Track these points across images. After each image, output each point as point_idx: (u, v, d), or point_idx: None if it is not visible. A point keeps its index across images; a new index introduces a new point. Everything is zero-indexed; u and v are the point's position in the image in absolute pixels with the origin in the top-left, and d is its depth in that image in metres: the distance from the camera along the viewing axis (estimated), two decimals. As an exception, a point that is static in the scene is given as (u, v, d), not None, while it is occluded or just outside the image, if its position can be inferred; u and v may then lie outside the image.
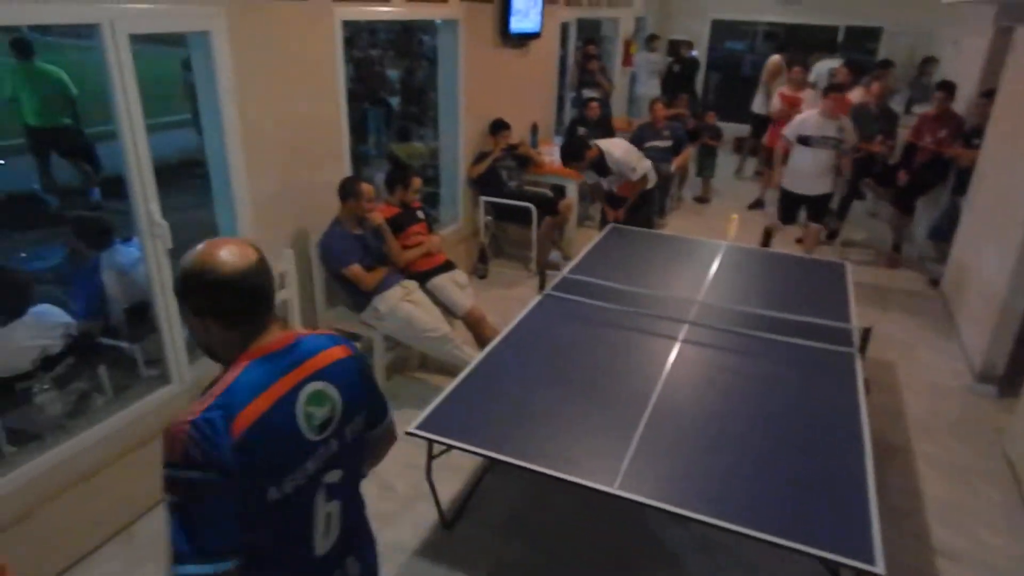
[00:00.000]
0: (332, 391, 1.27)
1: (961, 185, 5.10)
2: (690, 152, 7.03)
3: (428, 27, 6.41)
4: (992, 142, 4.63)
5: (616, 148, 4.57)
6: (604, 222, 4.80)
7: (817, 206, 5.12)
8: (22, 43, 5.66)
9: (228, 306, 1.19)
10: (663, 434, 2.35)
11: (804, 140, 4.87)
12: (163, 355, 2.81)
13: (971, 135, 5.12)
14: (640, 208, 4.77)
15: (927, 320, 4.79)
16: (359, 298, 3.46)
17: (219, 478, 1.09)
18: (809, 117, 4.94)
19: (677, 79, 8.59)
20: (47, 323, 2.76)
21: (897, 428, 3.54)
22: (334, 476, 1.30)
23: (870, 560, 1.83)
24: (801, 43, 9.07)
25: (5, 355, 2.60)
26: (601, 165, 4.53)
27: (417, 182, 3.82)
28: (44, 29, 9.10)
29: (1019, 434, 3.24)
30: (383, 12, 3.89)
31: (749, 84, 8.75)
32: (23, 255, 4.98)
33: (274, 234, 3.26)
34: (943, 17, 7.64)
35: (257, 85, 3.01)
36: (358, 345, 3.20)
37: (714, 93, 10.65)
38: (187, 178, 6.12)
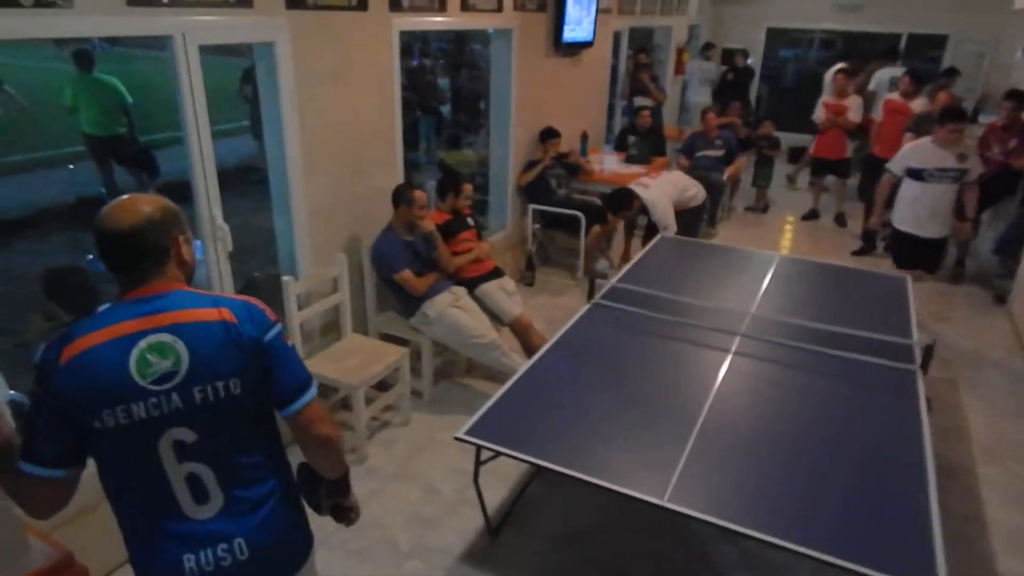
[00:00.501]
0: (180, 347, 1.29)
1: (1031, 198, 4.89)
2: (743, 161, 6.93)
3: (480, 36, 6.48)
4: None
5: (660, 200, 4.88)
6: (650, 234, 4.85)
7: (930, 252, 4.37)
8: (85, 55, 5.93)
9: (104, 256, 1.32)
10: (714, 447, 2.31)
11: (915, 174, 4.21)
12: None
13: (1043, 146, 4.91)
14: (685, 221, 4.78)
15: (992, 338, 4.60)
16: (409, 303, 3.51)
17: (46, 396, 1.27)
18: (922, 146, 4.22)
19: (731, 88, 8.48)
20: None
21: (959, 450, 3.40)
22: (183, 435, 1.31)
23: (933, 585, 1.76)
24: (860, 51, 8.85)
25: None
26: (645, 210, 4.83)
27: (468, 189, 3.87)
28: (114, 40, 9.56)
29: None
30: (439, 22, 3.95)
31: (803, 93, 8.58)
32: (91, 257, 5.22)
33: (328, 239, 3.34)
34: (1013, 22, 7.34)
35: (317, 94, 3.09)
36: (407, 349, 3.29)
37: (768, 102, 10.47)
38: (243, 184, 6.32)
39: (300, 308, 3.10)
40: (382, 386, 3.39)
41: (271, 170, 3.08)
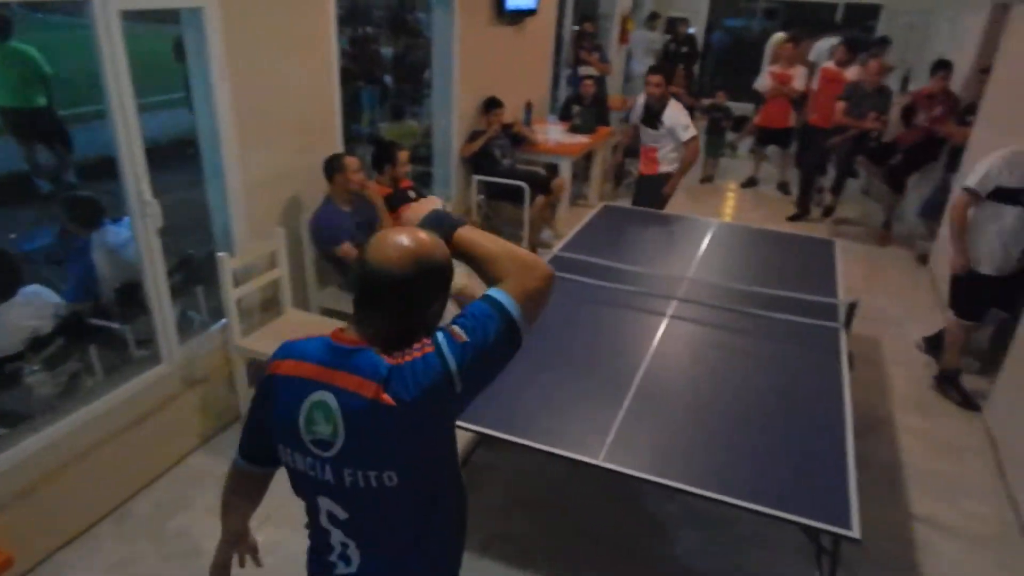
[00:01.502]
0: (338, 417, 1.13)
1: (953, 163, 5.11)
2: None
3: (423, 3, 6.36)
4: (985, 119, 4.64)
5: (681, 110, 4.59)
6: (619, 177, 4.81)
7: (1014, 291, 3.43)
8: (1, 21, 5.59)
9: (352, 282, 1.18)
10: (649, 408, 2.39)
11: (1012, 196, 3.24)
12: (154, 335, 2.83)
13: (965, 112, 5.13)
14: (653, 188, 4.72)
15: (915, 296, 4.84)
16: (351, 276, 3.48)
17: (259, 399, 1.29)
18: (1015, 159, 3.22)
19: (676, 57, 8.53)
20: (37, 304, 2.78)
21: (883, 401, 3.59)
22: (333, 507, 1.22)
23: (847, 526, 1.88)
24: (803, 21, 9.03)
25: (-4, 335, 2.63)
26: (659, 111, 4.48)
27: (404, 156, 3.80)
28: (34, 6, 9.01)
29: (999, 404, 3.29)
30: (374, -11, 3.87)
31: (746, 62, 8.71)
32: (13, 236, 4.99)
33: (266, 213, 3.28)
34: (940, -6, 7.59)
35: (250, 63, 3.01)
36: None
37: (712, 71, 10.60)
38: (179, 158, 6.10)
39: (237, 285, 3.05)
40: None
41: (202, 142, 2.99)
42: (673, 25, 8.91)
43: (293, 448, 1.20)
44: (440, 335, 1.15)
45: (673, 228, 4.24)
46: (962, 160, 4.87)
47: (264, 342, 3.12)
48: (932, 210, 5.30)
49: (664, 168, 4.64)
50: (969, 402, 3.55)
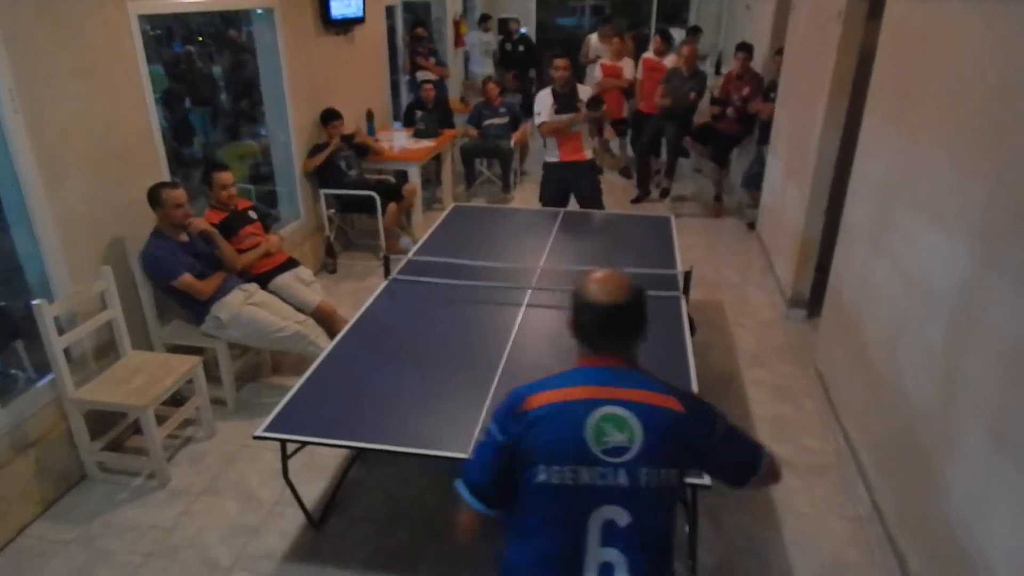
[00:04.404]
0: (635, 424, 1.35)
1: (764, 136, 5.65)
2: (528, 127, 7.23)
3: (247, 17, 6.10)
4: (784, 95, 5.17)
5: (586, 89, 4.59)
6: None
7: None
8: None
9: (581, 324, 1.45)
10: (514, 397, 2.45)
11: None
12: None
13: (769, 90, 5.68)
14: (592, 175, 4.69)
15: (748, 260, 5.30)
16: (195, 309, 3.28)
17: (500, 434, 1.40)
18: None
19: (513, 57, 8.74)
20: None
21: (729, 359, 3.91)
22: (616, 514, 1.35)
23: (699, 475, 2.03)
24: (626, 15, 9.58)
25: None
26: (574, 93, 4.46)
27: (223, 177, 3.58)
28: None
29: (824, 349, 3.69)
30: (184, 3, 3.66)
31: (578, 57, 9.09)
32: None
33: (88, 251, 3.01)
34: (738, -16, 8.34)
35: (48, 92, 2.75)
36: (199, 358, 3.09)
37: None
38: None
39: (62, 332, 2.78)
40: (178, 401, 3.17)
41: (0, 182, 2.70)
42: (506, 25, 9.14)
43: (576, 464, 1.34)
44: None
45: (524, 220, 4.36)
46: (771, 133, 5.40)
47: (104, 389, 2.87)
48: (752, 181, 5.83)
49: (588, 153, 4.62)
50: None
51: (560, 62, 4.42)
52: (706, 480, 2.00)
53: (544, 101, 4.50)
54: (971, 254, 2.08)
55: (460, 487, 1.47)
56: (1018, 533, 1.73)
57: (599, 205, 4.64)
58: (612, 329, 1.43)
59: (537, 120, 4.54)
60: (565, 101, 4.45)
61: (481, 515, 1.47)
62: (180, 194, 3.18)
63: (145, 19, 3.35)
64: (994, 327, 1.93)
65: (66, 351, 2.81)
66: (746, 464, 1.50)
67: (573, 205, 4.65)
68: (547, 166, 4.70)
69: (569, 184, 4.65)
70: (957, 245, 2.18)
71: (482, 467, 1.45)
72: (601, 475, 1.34)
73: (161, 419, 2.97)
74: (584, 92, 4.51)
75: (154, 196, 3.14)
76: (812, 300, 4.28)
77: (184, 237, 3.26)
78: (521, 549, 1.44)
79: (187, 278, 3.17)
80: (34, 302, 2.65)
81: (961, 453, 2.05)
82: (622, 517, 1.35)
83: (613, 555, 1.36)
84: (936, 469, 2.19)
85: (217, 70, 7.95)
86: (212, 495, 2.88)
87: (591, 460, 1.34)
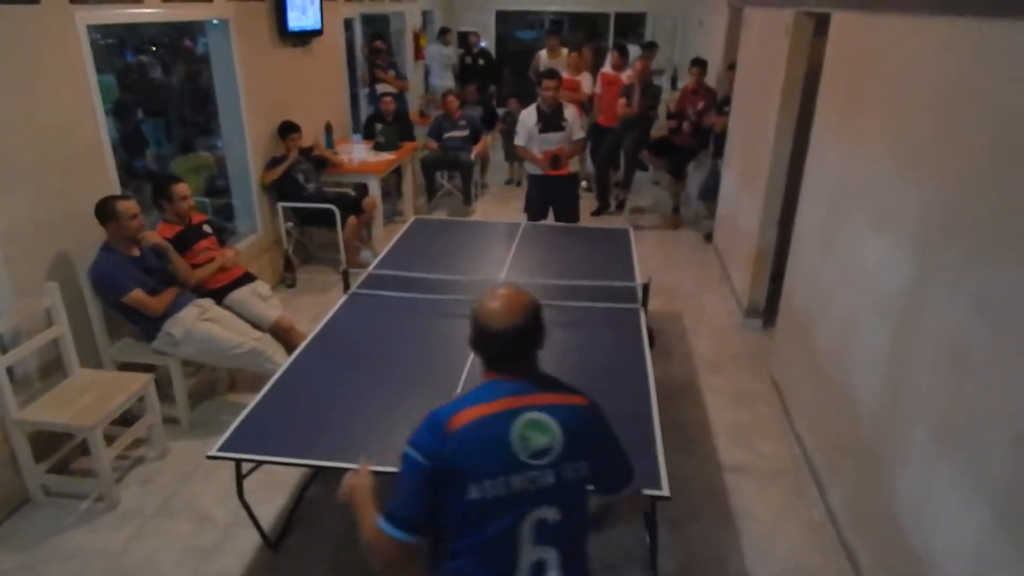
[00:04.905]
0: (554, 425, 1.42)
1: (719, 149, 5.79)
2: (488, 139, 7.27)
3: (202, 28, 6.01)
4: (737, 108, 5.30)
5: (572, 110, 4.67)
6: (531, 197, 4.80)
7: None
8: None
9: (483, 348, 1.51)
10: (474, 409, 2.44)
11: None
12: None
13: (723, 104, 5.82)
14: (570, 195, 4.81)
15: (705, 271, 5.40)
16: (147, 325, 3.19)
17: (424, 460, 1.39)
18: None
19: (472, 70, 8.78)
20: None
21: (688, 368, 3.97)
22: (548, 513, 1.41)
23: (658, 486, 2.05)
24: (585, 30, 9.72)
25: None
26: (559, 111, 4.55)
27: (181, 188, 3.51)
28: None
29: (779, 356, 3.77)
30: (135, 14, 3.58)
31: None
32: None
33: (32, 268, 2.91)
34: (691, 1, 8.55)
35: (-19, 102, 2.66)
36: (150, 376, 3.01)
37: (511, 81, 11.08)
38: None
39: (5, 351, 2.68)
40: (129, 421, 3.07)
41: (-64, 197, 2.59)
42: (465, 39, 9.19)
43: (507, 474, 1.38)
44: None
45: (484, 234, 4.37)
46: (726, 146, 5.53)
47: (50, 410, 2.77)
48: (709, 193, 5.95)
49: (571, 167, 4.76)
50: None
51: (550, 83, 4.51)
52: (663, 492, 2.02)
53: (528, 119, 4.62)
54: (915, 259, 2.16)
55: (384, 524, 1.41)
56: (962, 530, 1.79)
57: (574, 219, 4.81)
58: (513, 350, 1.48)
59: (516, 139, 4.68)
60: (550, 120, 4.56)
61: (409, 545, 1.41)
62: (134, 205, 3.11)
63: (95, 28, 3.27)
64: (934, 330, 2.00)
65: (9, 370, 2.71)
66: (625, 470, 1.59)
67: (520, 217, 4.68)
68: (531, 178, 4.84)
69: (550, 197, 4.77)
70: (900, 250, 2.26)
71: (410, 497, 1.42)
72: (532, 480, 1.40)
73: (111, 439, 2.88)
74: (570, 112, 4.62)
75: (105, 210, 3.06)
76: (768, 309, 4.37)
77: (135, 252, 3.18)
78: (459, 566, 1.44)
79: (138, 294, 3.09)
80: (-26, 320, 2.55)
81: (907, 454, 2.11)
82: (553, 515, 1.42)
83: (545, 551, 1.42)
84: (884, 470, 2.26)
85: (170, 80, 7.80)
86: (164, 517, 2.80)
87: (520, 467, 1.39)
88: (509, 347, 1.47)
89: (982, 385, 1.75)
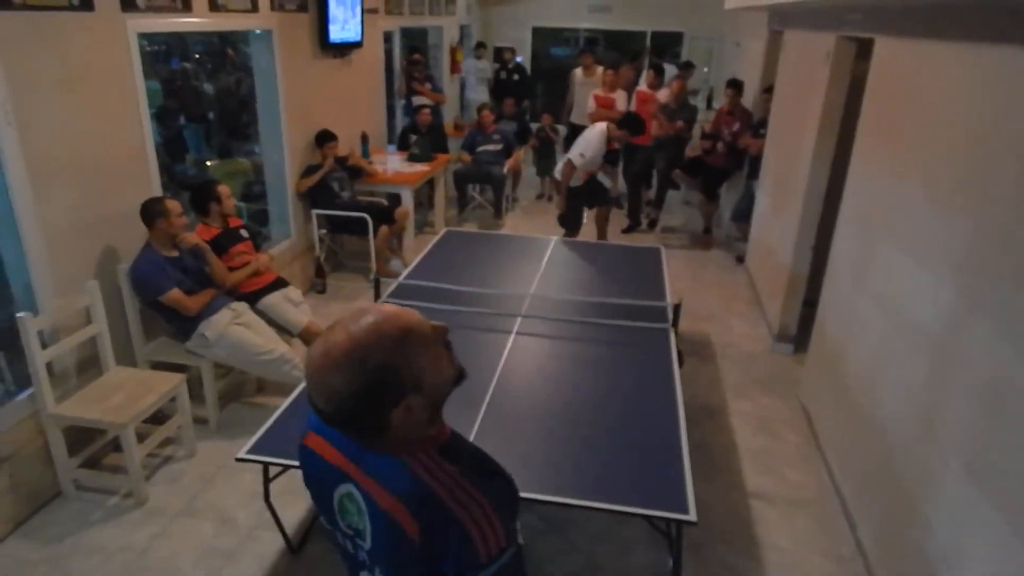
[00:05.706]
0: (365, 519, 1.05)
1: (754, 171, 5.74)
2: (521, 154, 7.31)
3: (245, 37, 6.16)
4: (773, 131, 5.26)
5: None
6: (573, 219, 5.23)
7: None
8: None
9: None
10: (500, 424, 2.45)
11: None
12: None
13: (759, 126, 5.78)
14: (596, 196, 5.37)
15: (736, 293, 5.34)
16: (183, 325, 3.26)
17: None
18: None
19: (508, 85, 8.85)
20: None
21: (715, 392, 3.92)
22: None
23: (684, 511, 2.03)
24: (619, 48, 9.73)
25: None
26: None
27: (225, 190, 3.62)
28: None
29: (809, 383, 3.71)
30: (185, 23, 3.68)
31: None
32: None
33: (75, 266, 2.99)
34: (728, 22, 8.53)
35: (42, 106, 2.75)
36: (182, 376, 3.06)
37: (545, 97, 11.13)
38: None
39: (46, 346, 2.75)
40: (160, 419, 3.13)
41: (-11, 194, 2.68)
42: (500, 54, 9.28)
43: (331, 523, 1.15)
44: None
45: (516, 247, 4.38)
46: (760, 168, 5.48)
47: (84, 406, 2.83)
48: (742, 215, 5.89)
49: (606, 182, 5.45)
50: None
51: (621, 134, 5.06)
52: (690, 516, 1.99)
53: (597, 145, 5.00)
54: (953, 291, 2.11)
55: None
56: (995, 569, 1.73)
57: (603, 236, 5.23)
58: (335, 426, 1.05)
59: (578, 159, 4.96)
60: (610, 156, 5.22)
61: None
62: (179, 204, 3.22)
63: (143, 36, 3.37)
64: (973, 363, 1.95)
65: (48, 365, 2.78)
66: None
67: (550, 232, 4.68)
68: (571, 191, 5.16)
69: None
70: (940, 282, 2.21)
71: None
72: (349, 548, 1.15)
73: (141, 437, 2.93)
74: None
75: (153, 208, 3.14)
76: (799, 335, 4.31)
77: (174, 252, 3.25)
78: None
79: (175, 294, 3.15)
80: (18, 315, 2.63)
81: (940, 490, 2.06)
82: None
83: None
84: (916, 506, 2.20)
85: (212, 87, 8.00)
86: (188, 516, 2.83)
87: (338, 526, 1.13)
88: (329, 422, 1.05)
89: (1021, 420, 1.70)
